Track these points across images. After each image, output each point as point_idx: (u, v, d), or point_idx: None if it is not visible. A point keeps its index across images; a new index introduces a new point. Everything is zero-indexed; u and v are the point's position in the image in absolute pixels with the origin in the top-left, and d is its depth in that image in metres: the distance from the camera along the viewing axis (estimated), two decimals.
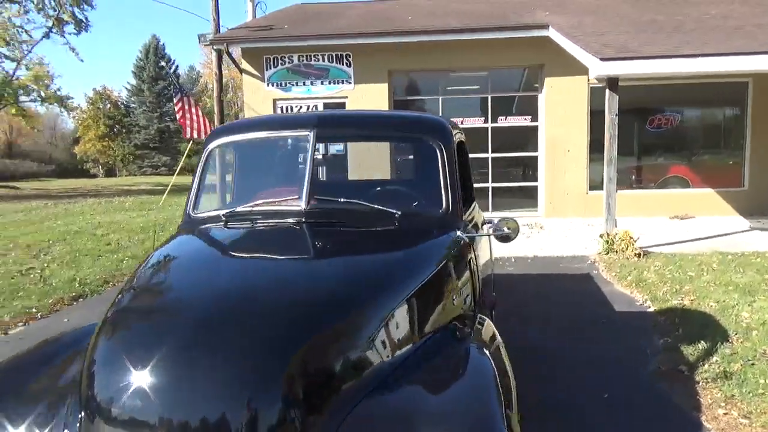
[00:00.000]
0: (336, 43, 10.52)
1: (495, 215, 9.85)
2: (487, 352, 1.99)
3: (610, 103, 7.57)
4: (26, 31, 28.57)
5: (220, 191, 2.84)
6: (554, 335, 4.66)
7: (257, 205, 2.67)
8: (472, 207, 3.29)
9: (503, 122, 10.96)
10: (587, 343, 4.43)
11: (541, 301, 5.71)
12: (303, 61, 10.79)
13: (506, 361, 2.05)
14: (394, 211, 2.58)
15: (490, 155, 10.95)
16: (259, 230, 2.52)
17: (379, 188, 3.12)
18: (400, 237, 2.49)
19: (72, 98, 33.44)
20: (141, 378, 1.45)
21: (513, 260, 7.46)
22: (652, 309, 5.26)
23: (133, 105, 47.57)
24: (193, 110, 14.11)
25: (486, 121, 10.92)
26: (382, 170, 3.56)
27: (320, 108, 11.07)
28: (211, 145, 2.89)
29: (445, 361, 1.92)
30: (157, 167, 44.76)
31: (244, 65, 11.10)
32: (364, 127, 2.93)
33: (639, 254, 7.09)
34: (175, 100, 14.38)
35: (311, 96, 10.95)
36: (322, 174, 3.15)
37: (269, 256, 2.32)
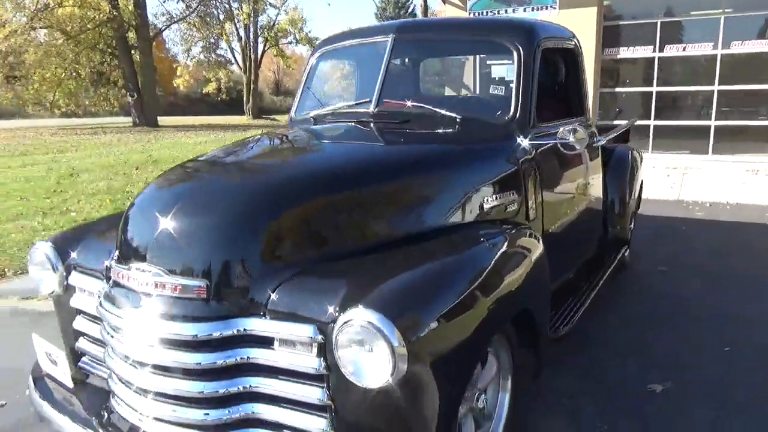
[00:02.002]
0: None
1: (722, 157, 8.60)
2: (488, 255, 1.96)
3: None
4: None
5: (319, 96, 3.13)
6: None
7: (341, 107, 2.93)
8: (576, 122, 3.05)
9: (740, 48, 9.17)
10: None
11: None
12: None
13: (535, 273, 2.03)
14: (455, 116, 2.60)
15: (716, 87, 9.34)
16: (329, 127, 2.78)
17: (451, 94, 3.10)
18: (448, 138, 2.52)
19: (319, 39, 37.21)
20: (154, 222, 1.80)
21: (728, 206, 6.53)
22: None
23: None
24: None
25: (715, 47, 9.26)
26: (459, 78, 3.45)
27: None
28: (313, 57, 3.19)
29: (440, 252, 1.96)
30: None
31: None
32: (443, 31, 2.92)
33: None
34: None
35: None
36: (401, 80, 3.23)
37: (316, 144, 2.57)
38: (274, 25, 34.69)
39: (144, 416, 1.76)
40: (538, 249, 2.23)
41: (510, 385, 2.21)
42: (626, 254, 4.32)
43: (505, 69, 3.43)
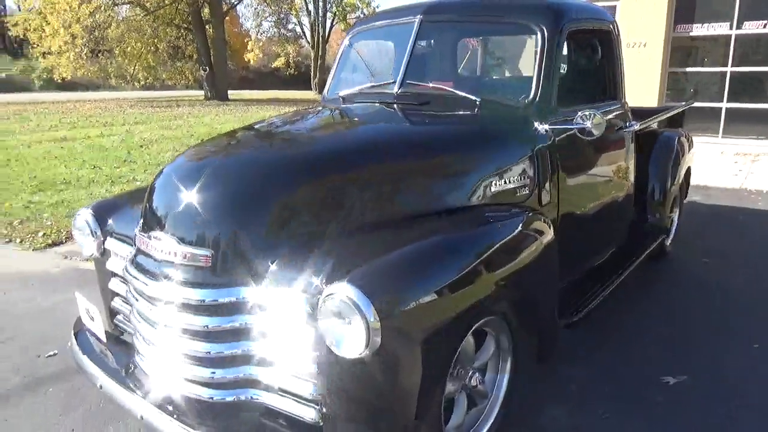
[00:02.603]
0: None
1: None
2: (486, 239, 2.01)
3: None
4: None
5: (352, 76, 3.22)
6: None
7: (367, 87, 3.01)
8: (603, 105, 2.98)
9: None
10: None
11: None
12: None
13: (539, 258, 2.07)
14: (475, 98, 2.62)
15: None
16: (350, 107, 2.88)
17: (475, 76, 3.10)
18: (462, 121, 2.56)
19: None
20: (171, 195, 1.98)
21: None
22: None
23: None
24: None
25: None
26: (487, 59, 3.41)
27: None
28: (347, 38, 3.28)
29: (438, 234, 2.02)
30: None
31: None
32: (469, 12, 2.91)
33: None
34: None
35: None
36: (430, 60, 3.25)
37: (330, 125, 2.68)
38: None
39: (161, 373, 1.96)
40: (545, 234, 2.25)
41: (509, 367, 2.26)
42: (667, 243, 4.20)
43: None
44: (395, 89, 2.81)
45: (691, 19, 9.51)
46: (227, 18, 34.89)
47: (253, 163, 2.07)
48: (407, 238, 1.90)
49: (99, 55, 27.48)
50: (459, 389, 2.08)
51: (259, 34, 37.45)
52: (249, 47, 39.11)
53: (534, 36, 2.64)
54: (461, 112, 2.64)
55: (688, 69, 9.83)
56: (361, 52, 3.23)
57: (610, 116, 2.98)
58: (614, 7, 9.84)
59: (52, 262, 4.34)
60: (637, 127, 3.14)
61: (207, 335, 1.84)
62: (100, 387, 2.11)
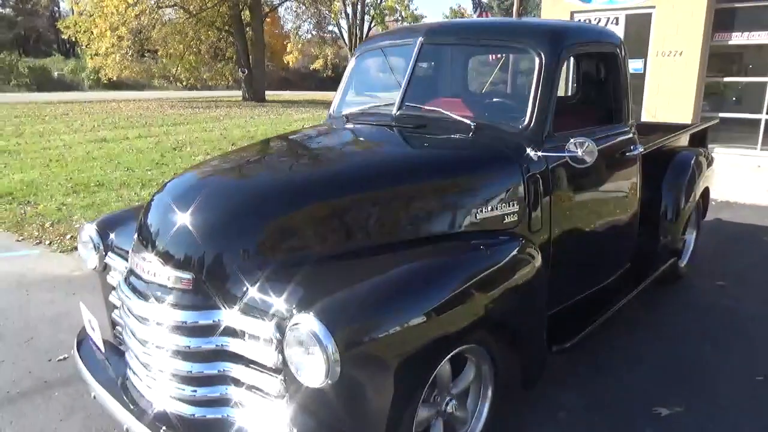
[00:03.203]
0: None
1: None
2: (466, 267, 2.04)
3: None
4: None
5: (357, 95, 3.27)
6: None
7: (370, 107, 3.06)
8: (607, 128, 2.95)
9: None
10: None
11: None
12: None
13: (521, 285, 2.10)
14: (470, 123, 2.64)
15: None
16: (347, 129, 2.94)
17: (479, 97, 3.10)
18: (452, 146, 2.59)
19: (425, 17, 36.96)
20: (160, 217, 2.07)
21: None
22: None
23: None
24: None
25: None
26: (485, 82, 3.39)
27: (621, 21, 10.02)
28: (353, 57, 3.33)
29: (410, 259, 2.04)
30: None
31: None
32: (470, 34, 2.92)
33: None
34: (475, 15, 14.89)
35: (613, 7, 9.94)
36: (432, 82, 3.27)
37: (321, 149, 2.77)
38: (380, 2, 34.97)
39: (148, 388, 2.04)
40: (531, 261, 2.25)
41: (491, 394, 2.27)
42: (682, 265, 4.10)
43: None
44: (394, 111, 2.86)
45: (731, 27, 9.19)
46: (269, 20, 35.46)
47: (236, 190, 2.15)
48: (383, 266, 1.94)
49: (143, 56, 28.36)
50: (435, 416, 2.10)
51: (298, 36, 37.96)
52: (288, 49, 39.67)
53: (531, 60, 2.64)
54: (456, 136, 2.65)
55: (726, 79, 9.51)
56: (368, 71, 3.27)
57: (614, 141, 2.95)
58: (650, 15, 9.63)
59: (76, 265, 4.54)
60: (640, 150, 3.08)
61: (188, 355, 1.92)
62: (94, 397, 2.22)
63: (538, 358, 2.43)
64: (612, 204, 3.01)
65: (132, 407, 2.04)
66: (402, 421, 1.82)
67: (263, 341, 1.80)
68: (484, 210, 2.34)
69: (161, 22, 26.29)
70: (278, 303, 1.78)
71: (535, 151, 2.49)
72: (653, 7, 9.51)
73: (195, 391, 1.94)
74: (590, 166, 2.78)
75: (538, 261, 2.32)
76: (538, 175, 2.51)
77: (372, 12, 34.81)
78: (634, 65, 10.19)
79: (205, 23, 27.51)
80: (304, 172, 2.40)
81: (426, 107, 2.83)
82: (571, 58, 3.33)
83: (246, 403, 1.89)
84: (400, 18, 36.20)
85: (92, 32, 25.21)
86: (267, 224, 1.98)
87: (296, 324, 1.65)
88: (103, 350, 2.38)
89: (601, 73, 3.09)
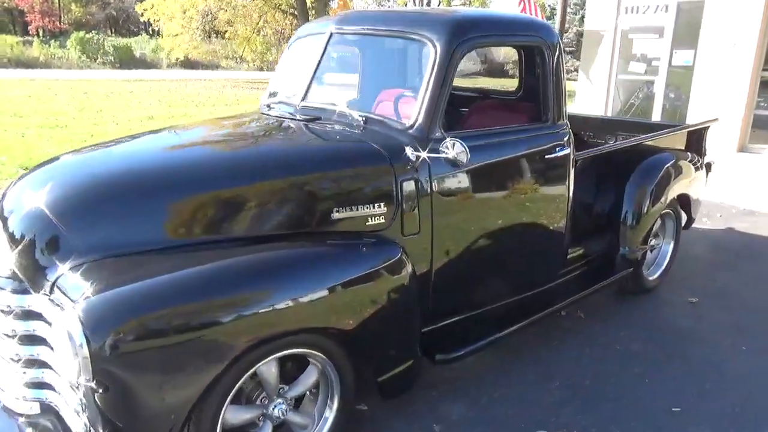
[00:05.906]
0: None
1: None
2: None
3: None
4: None
5: (284, 84, 3.23)
6: None
7: (282, 98, 3.03)
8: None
9: None
10: None
11: None
12: None
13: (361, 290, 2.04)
14: (360, 117, 2.56)
15: None
16: (253, 118, 2.92)
17: (370, 94, 2.99)
18: (340, 139, 2.52)
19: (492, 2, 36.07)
20: (10, 202, 2.16)
21: None
22: None
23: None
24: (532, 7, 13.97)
25: None
26: (396, 75, 3.19)
27: (671, 9, 9.31)
28: (287, 47, 3.29)
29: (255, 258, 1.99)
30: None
31: None
32: (376, 24, 2.78)
33: None
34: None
35: None
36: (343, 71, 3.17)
37: (196, 139, 2.79)
38: None
39: None
40: (395, 265, 2.15)
41: (337, 401, 2.20)
42: (651, 278, 3.79)
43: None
44: (298, 102, 2.81)
45: None
46: (341, 3, 35.54)
47: (72, 178, 2.17)
48: (195, 262, 1.89)
49: (211, 37, 29.35)
50: (261, 418, 2.06)
51: None
52: None
53: (428, 53, 2.48)
54: (346, 130, 2.55)
55: None
56: (296, 60, 3.21)
57: (529, 142, 2.73)
58: (702, 3, 8.88)
59: None
60: (565, 152, 2.82)
61: (14, 339, 1.97)
62: None
63: (407, 369, 2.31)
64: (524, 210, 2.78)
65: None
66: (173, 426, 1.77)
67: (55, 329, 1.81)
68: (341, 210, 2.23)
69: (229, 5, 27.07)
70: (72, 291, 1.77)
71: (416, 151, 2.35)
72: None
73: (25, 373, 1.98)
74: (492, 169, 2.62)
75: (406, 265, 2.20)
76: (417, 177, 2.36)
77: None
78: (683, 57, 9.44)
79: (271, 6, 28.04)
80: (142, 163, 2.35)
81: (325, 100, 2.75)
82: (521, 51, 3.12)
83: (59, 388, 1.92)
84: (467, 2, 35.40)
85: (164, 14, 26.36)
86: (85, 213, 1.99)
87: (64, 318, 1.65)
88: None
89: (531, 70, 2.86)
